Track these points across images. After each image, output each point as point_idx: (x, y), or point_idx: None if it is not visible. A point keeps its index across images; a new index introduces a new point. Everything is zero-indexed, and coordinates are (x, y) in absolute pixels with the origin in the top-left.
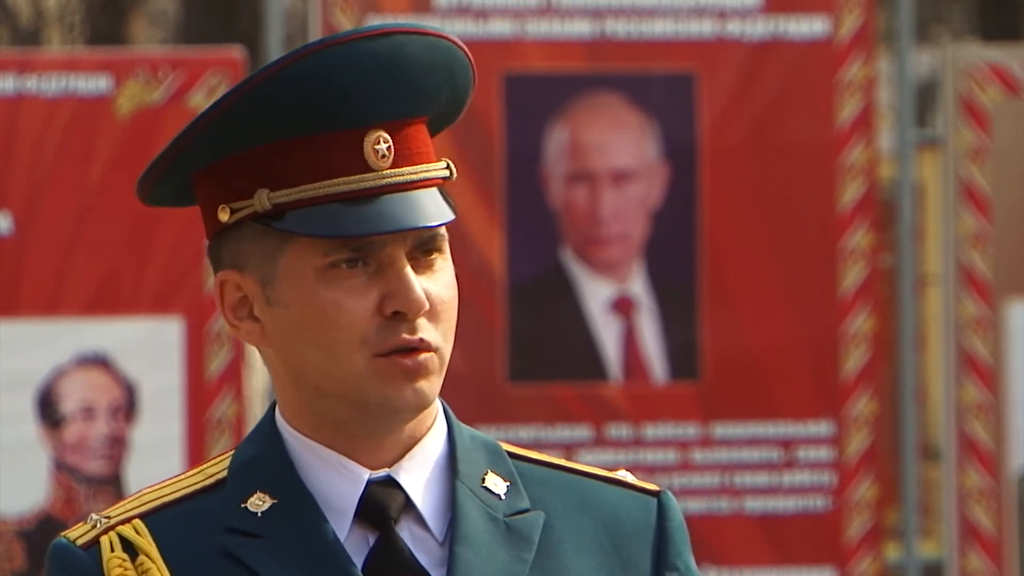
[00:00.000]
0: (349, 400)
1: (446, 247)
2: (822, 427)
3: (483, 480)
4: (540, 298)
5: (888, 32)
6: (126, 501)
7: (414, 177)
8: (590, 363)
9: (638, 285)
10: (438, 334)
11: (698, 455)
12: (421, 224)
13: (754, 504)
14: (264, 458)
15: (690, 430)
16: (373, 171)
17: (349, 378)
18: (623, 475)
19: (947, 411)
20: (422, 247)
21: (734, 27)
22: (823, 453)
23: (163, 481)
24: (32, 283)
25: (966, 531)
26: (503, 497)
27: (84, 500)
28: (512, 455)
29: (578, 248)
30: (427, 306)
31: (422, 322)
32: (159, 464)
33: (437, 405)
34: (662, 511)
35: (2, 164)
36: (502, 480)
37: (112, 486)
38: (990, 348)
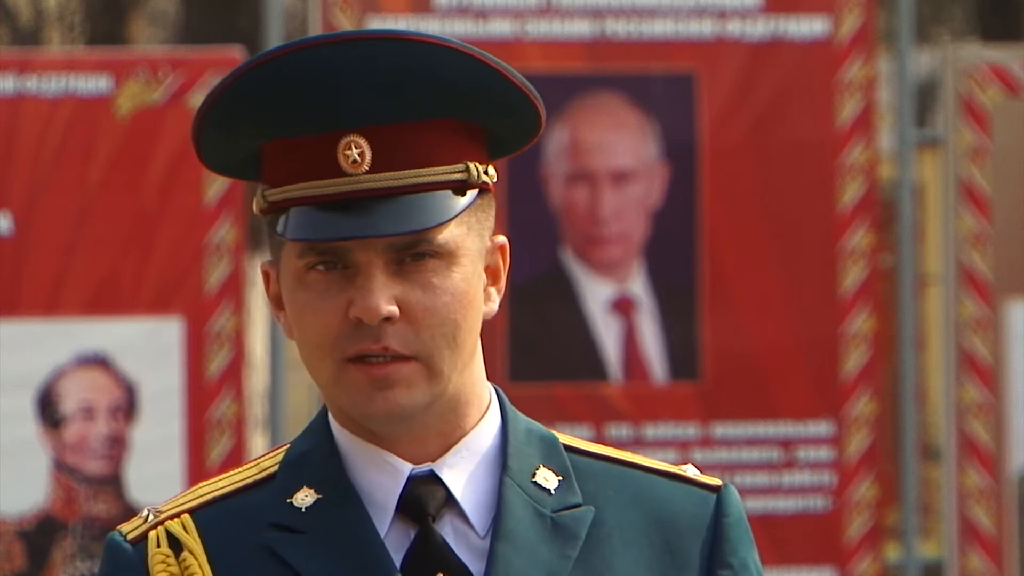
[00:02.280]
0: (332, 403)
1: (453, 250)
2: (822, 427)
3: (534, 475)
4: (540, 298)
5: (888, 32)
6: (182, 494)
7: (395, 183)
8: (590, 363)
9: (638, 285)
10: (418, 341)
11: (698, 455)
12: (382, 232)
13: (754, 504)
14: (314, 453)
15: (690, 430)
16: (346, 175)
17: (326, 382)
18: (687, 469)
19: (947, 411)
20: (408, 252)
21: (734, 27)
22: (823, 453)
23: (221, 475)
24: (32, 283)
25: (966, 531)
26: (553, 492)
27: (84, 500)
28: (569, 448)
29: (578, 248)
30: (386, 314)
31: (392, 329)
32: (159, 464)
33: (488, 400)
34: (719, 507)
35: (2, 164)
36: (554, 475)
37: (112, 486)
38: (990, 348)
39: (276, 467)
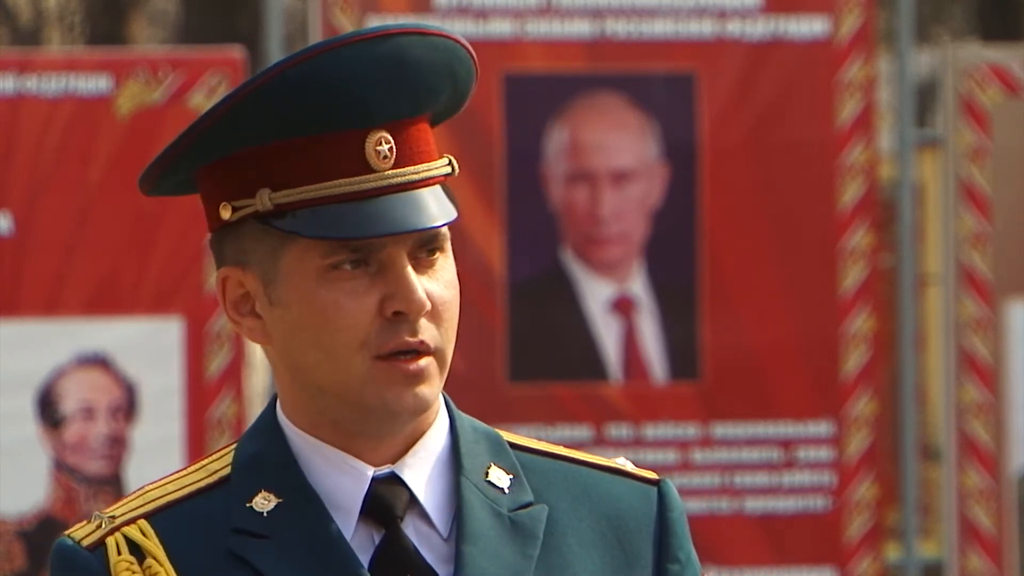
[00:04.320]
0: (348, 401)
1: (448, 246)
2: (822, 427)
3: (486, 474)
4: (540, 298)
5: (888, 32)
6: (130, 499)
7: (415, 177)
8: (590, 363)
9: (638, 285)
10: (439, 335)
11: (698, 455)
12: (422, 225)
13: (754, 504)
14: (267, 455)
15: (690, 430)
16: (374, 172)
17: (348, 380)
18: (622, 463)
19: (947, 411)
20: (424, 247)
21: (734, 27)
22: (823, 453)
23: (166, 477)
24: (32, 283)
25: (966, 531)
26: (506, 491)
27: (84, 500)
28: (513, 445)
29: (578, 248)
30: (428, 306)
31: (423, 323)
32: (159, 464)
33: (439, 399)
34: (663, 501)
35: (2, 164)
36: (505, 473)
37: (112, 486)
38: (990, 348)
39: (226, 469)
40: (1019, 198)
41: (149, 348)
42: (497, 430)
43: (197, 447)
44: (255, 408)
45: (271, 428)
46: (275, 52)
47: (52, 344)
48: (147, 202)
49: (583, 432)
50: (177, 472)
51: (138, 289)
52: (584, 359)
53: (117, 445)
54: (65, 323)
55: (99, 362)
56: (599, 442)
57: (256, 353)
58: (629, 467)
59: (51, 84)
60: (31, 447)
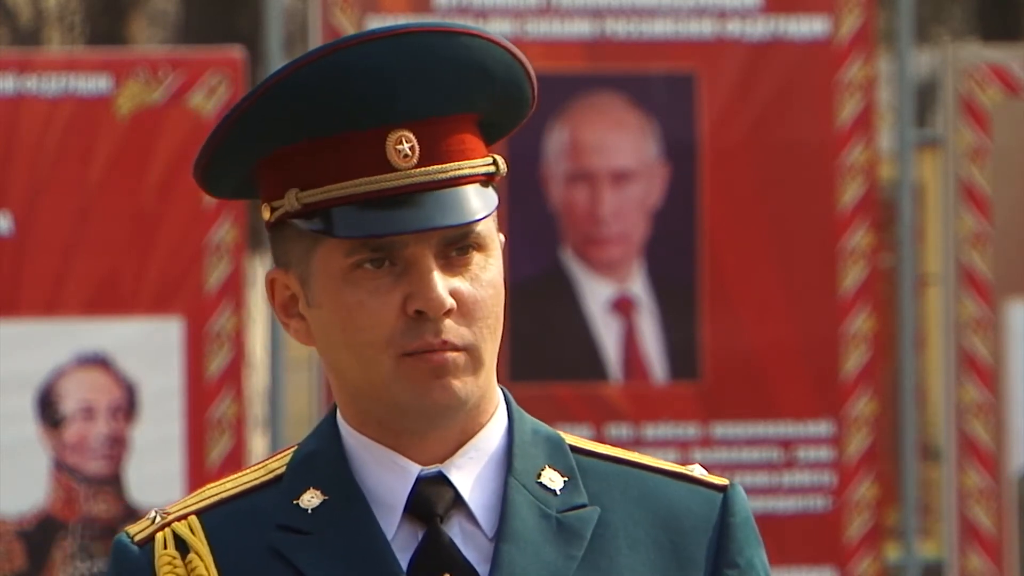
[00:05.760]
0: (382, 400)
1: (489, 243)
2: (822, 427)
3: (539, 475)
4: (540, 298)
5: (888, 32)
6: (190, 496)
7: (443, 176)
8: (590, 363)
9: (638, 285)
10: (469, 333)
11: (698, 455)
12: (440, 224)
13: (754, 504)
14: (321, 454)
15: (690, 430)
16: (396, 171)
17: (378, 379)
18: (694, 469)
19: (947, 411)
20: (455, 245)
21: (734, 27)
22: (823, 453)
23: (229, 477)
24: (32, 283)
25: (966, 531)
26: (558, 493)
27: (84, 500)
28: (576, 449)
29: (578, 248)
30: (449, 306)
31: (448, 322)
32: (159, 464)
33: (498, 399)
34: (726, 506)
35: (2, 164)
36: (560, 475)
37: (112, 486)
38: (990, 348)
39: (283, 469)
40: (1019, 198)
41: (149, 348)
42: (563, 433)
43: (197, 447)
44: (255, 408)
45: (329, 428)
46: (275, 52)
47: (52, 344)
48: (147, 202)
49: (583, 432)
50: (241, 471)
51: (138, 289)
52: (584, 359)
53: (117, 445)
54: (65, 323)
55: (99, 362)
56: (599, 442)
57: (256, 353)
58: (698, 472)
59: (51, 84)
60: (31, 447)
